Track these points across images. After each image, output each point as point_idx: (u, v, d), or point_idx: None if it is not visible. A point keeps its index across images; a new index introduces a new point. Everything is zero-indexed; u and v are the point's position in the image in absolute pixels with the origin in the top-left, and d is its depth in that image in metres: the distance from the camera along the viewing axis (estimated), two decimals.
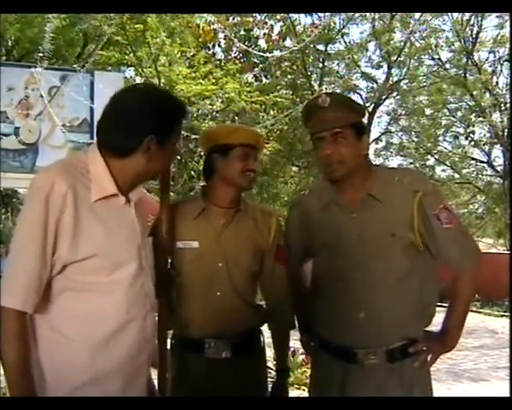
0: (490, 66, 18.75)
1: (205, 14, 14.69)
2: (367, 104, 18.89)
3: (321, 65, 19.53)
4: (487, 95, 18.39)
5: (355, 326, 2.28)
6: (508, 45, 16.77)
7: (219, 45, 19.04)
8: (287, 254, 2.58)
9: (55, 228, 1.71)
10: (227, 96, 14.82)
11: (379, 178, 2.34)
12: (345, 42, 19.77)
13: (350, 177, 2.30)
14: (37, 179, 1.77)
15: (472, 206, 21.27)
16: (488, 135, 19.22)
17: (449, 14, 17.42)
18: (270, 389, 2.62)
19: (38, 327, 1.78)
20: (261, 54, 15.14)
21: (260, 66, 16.76)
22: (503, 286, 9.26)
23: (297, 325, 2.67)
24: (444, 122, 20.58)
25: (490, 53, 18.66)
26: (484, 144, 19.68)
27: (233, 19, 17.57)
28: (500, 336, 8.56)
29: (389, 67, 19.54)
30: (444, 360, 2.28)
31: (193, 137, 14.19)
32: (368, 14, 17.73)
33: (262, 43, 19.02)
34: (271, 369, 2.69)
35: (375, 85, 20.28)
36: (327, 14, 13.72)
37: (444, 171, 21.29)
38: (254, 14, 17.75)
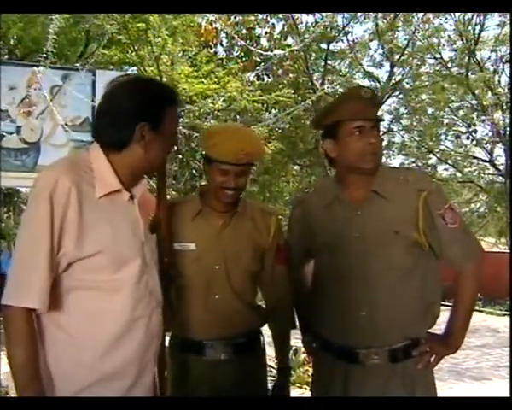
0: (492, 65, 18.72)
1: (207, 14, 14.67)
2: None
3: (323, 64, 19.50)
4: (489, 94, 18.36)
5: (357, 326, 2.27)
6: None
7: (221, 44, 19.04)
8: (287, 254, 2.56)
9: (60, 225, 1.71)
10: (229, 95, 14.80)
11: (382, 175, 2.34)
12: (347, 40, 19.76)
13: (374, 171, 2.31)
14: (40, 178, 1.77)
15: (474, 205, 21.25)
16: (490, 134, 19.20)
17: (451, 13, 17.40)
18: (271, 389, 2.61)
19: (45, 327, 1.78)
20: (263, 53, 15.10)
21: (262, 65, 16.72)
22: (504, 285, 9.26)
23: (298, 324, 2.66)
24: (446, 121, 20.54)
25: (492, 52, 18.64)
26: (486, 143, 19.65)
27: (235, 18, 17.55)
28: (502, 335, 8.56)
29: (391, 66, 19.51)
30: (446, 359, 2.27)
31: (194, 135, 14.19)
32: (371, 13, 17.71)
33: (264, 42, 19.03)
34: (273, 368, 2.68)
35: (377, 84, 20.26)
36: (329, 13, 13.70)
37: (446, 170, 21.28)
38: (256, 13, 17.73)
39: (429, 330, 2.35)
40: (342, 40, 19.72)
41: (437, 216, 2.26)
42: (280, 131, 18.28)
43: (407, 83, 20.25)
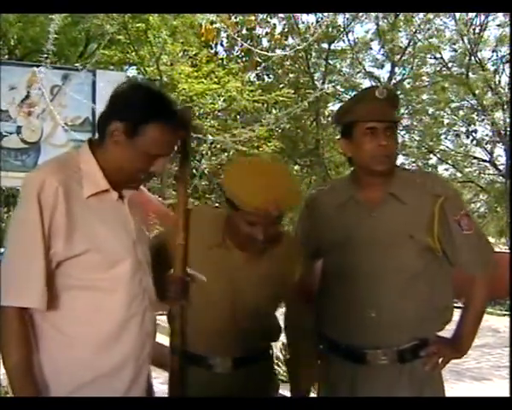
0: (492, 65, 18.74)
1: (207, 14, 14.68)
2: None
3: (324, 63, 19.51)
4: (489, 94, 18.37)
5: (365, 326, 2.24)
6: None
7: (221, 44, 19.05)
8: (311, 290, 2.38)
9: (49, 225, 1.72)
10: (229, 94, 14.81)
11: (399, 177, 2.30)
12: (348, 40, 19.78)
13: (387, 172, 2.27)
14: (28, 178, 1.79)
15: (474, 205, 21.26)
16: (490, 134, 19.22)
17: (452, 13, 17.41)
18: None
19: (39, 326, 1.78)
20: (264, 53, 15.11)
21: (263, 64, 16.74)
22: (504, 285, 9.24)
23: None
24: (446, 121, 20.57)
25: (493, 52, 18.66)
26: (486, 143, 19.67)
27: (235, 18, 17.56)
28: (502, 335, 8.55)
29: (392, 66, 19.54)
30: None
31: (195, 136, 14.18)
32: (372, 13, 17.72)
33: (264, 41, 19.05)
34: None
35: (378, 84, 20.26)
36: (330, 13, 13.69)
37: (446, 170, 21.31)
38: (257, 13, 17.74)
39: (438, 333, 2.32)
40: (343, 40, 19.76)
41: (453, 222, 2.22)
42: (280, 130, 18.28)
43: (408, 83, 20.27)
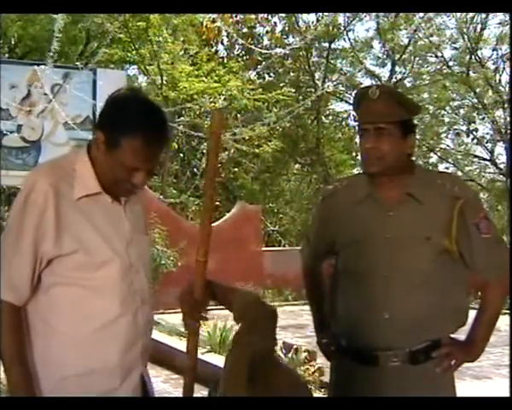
0: (493, 63, 18.72)
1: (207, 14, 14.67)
2: None
3: (325, 62, 19.50)
4: (490, 92, 18.35)
5: (378, 328, 2.22)
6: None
7: (222, 43, 19.04)
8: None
9: (38, 225, 1.79)
10: (229, 93, 14.81)
11: (419, 177, 2.27)
12: (349, 39, 19.76)
13: (389, 173, 2.23)
14: (25, 180, 1.88)
15: None
16: (491, 132, 19.20)
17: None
18: None
19: (31, 320, 1.85)
20: (264, 51, 15.11)
21: (263, 63, 16.74)
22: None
23: (313, 325, 2.58)
24: (447, 120, 20.55)
25: (493, 50, 18.64)
26: (487, 142, 19.65)
27: (236, 16, 17.56)
28: (503, 334, 8.52)
29: (393, 65, 19.52)
30: None
31: (195, 134, 14.19)
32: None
33: (265, 40, 19.03)
34: None
35: (379, 83, 20.25)
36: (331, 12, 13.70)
37: (446, 168, 21.25)
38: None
39: (451, 335, 2.30)
40: (344, 39, 19.73)
41: (471, 225, 2.20)
42: (281, 129, 18.28)
43: (408, 82, 20.26)
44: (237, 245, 13.55)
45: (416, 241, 2.21)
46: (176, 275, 9.32)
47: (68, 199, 1.83)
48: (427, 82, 19.90)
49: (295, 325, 9.87)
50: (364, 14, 18.11)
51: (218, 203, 18.00)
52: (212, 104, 14.66)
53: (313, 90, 17.97)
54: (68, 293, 1.83)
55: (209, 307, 1.98)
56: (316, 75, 19.72)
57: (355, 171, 18.21)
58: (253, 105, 15.76)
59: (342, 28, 19.02)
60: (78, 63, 12.04)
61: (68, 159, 1.94)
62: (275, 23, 18.71)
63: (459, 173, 20.42)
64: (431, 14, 16.97)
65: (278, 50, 16.76)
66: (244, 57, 18.41)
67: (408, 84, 20.12)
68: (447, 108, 19.92)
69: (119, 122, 1.81)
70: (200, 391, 2.00)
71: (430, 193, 2.23)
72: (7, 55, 14.77)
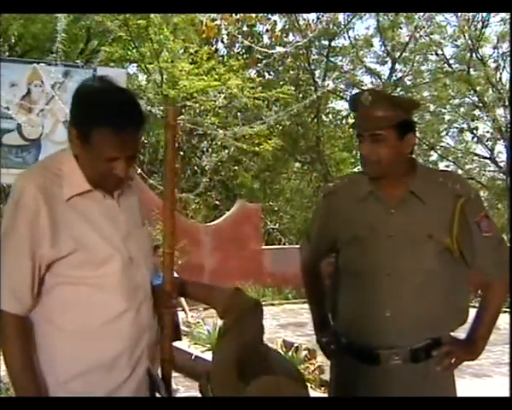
0: (494, 61, 18.70)
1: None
2: None
3: (325, 60, 19.49)
4: (490, 90, 18.34)
5: (380, 326, 2.22)
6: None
7: (222, 41, 19.02)
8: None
9: (33, 231, 1.75)
10: (230, 92, 14.78)
11: (421, 176, 2.27)
12: (349, 37, 19.75)
13: (390, 175, 2.24)
14: (13, 186, 1.82)
15: None
16: (491, 131, 19.18)
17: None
18: None
19: (34, 323, 1.82)
20: (264, 50, 15.08)
21: (263, 61, 16.73)
22: None
23: (313, 324, 2.59)
24: (447, 118, 20.53)
25: (494, 49, 18.62)
26: (487, 140, 19.64)
27: (236, 15, 17.53)
28: (503, 332, 8.53)
29: (393, 63, 19.50)
30: None
31: (195, 132, 14.18)
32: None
33: (265, 38, 19.02)
34: None
35: (379, 81, 20.24)
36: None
37: (447, 166, 21.24)
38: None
39: (451, 333, 2.31)
40: (344, 37, 19.72)
41: (472, 224, 2.21)
42: (281, 128, 18.27)
43: (409, 80, 20.24)
44: (237, 243, 13.56)
45: (418, 239, 2.21)
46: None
47: (59, 200, 1.79)
48: (427, 80, 19.88)
49: (295, 324, 9.88)
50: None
51: (217, 202, 18.02)
52: (212, 102, 14.66)
53: (313, 88, 17.96)
54: (71, 292, 1.80)
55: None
56: (316, 73, 19.71)
57: (355, 169, 18.22)
58: (253, 103, 15.73)
59: (342, 26, 19.01)
60: (78, 61, 12.02)
61: (54, 159, 1.91)
62: (275, 21, 18.70)
63: (459, 171, 20.43)
64: (432, 12, 16.97)
65: (278, 49, 16.76)
66: (244, 55, 18.38)
67: (408, 83, 20.11)
68: (447, 106, 19.91)
69: (86, 116, 1.77)
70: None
71: (432, 191, 2.23)
72: (7, 54, 14.76)
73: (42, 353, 1.80)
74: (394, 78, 19.63)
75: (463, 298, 2.31)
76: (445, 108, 20.14)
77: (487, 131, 19.63)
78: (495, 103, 18.19)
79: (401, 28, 18.87)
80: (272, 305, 12.42)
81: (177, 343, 7.18)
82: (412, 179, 2.26)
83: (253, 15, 17.99)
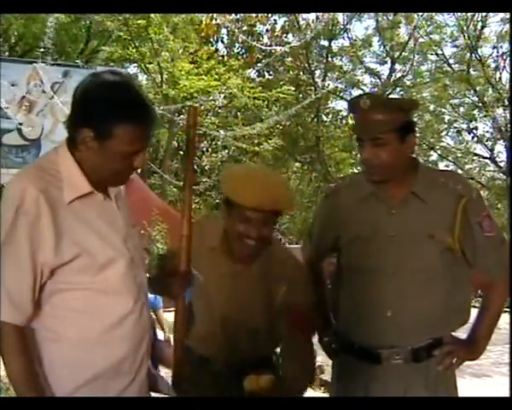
0: (494, 61, 18.72)
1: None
2: None
3: (324, 61, 19.50)
4: (490, 90, 18.35)
5: (380, 326, 2.22)
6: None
7: (222, 41, 19.04)
8: (305, 320, 2.26)
9: (33, 237, 1.67)
10: (229, 91, 14.80)
11: (422, 176, 2.25)
12: (348, 38, 19.76)
13: (391, 177, 2.22)
14: (9, 189, 1.73)
15: None
16: (491, 130, 19.21)
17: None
18: None
19: (35, 333, 1.76)
20: (264, 47, 15.08)
21: (263, 61, 16.74)
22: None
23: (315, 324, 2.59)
24: (447, 118, 20.55)
25: (493, 48, 18.63)
26: (487, 140, 19.65)
27: (235, 14, 17.54)
28: (503, 332, 8.53)
29: (393, 63, 19.52)
30: None
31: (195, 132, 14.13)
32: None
33: (265, 38, 19.02)
34: None
35: (378, 81, 20.26)
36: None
37: (447, 166, 21.26)
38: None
39: (453, 333, 2.30)
40: (343, 37, 19.74)
41: (475, 224, 2.19)
42: (281, 127, 18.28)
43: (408, 80, 20.25)
44: None
45: (420, 239, 2.20)
46: None
47: (60, 204, 1.71)
48: (427, 80, 19.88)
49: None
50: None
51: (218, 201, 18.01)
52: (212, 102, 14.67)
53: (313, 88, 17.97)
54: (73, 298, 1.74)
55: None
56: (316, 73, 19.73)
57: (355, 169, 18.23)
58: (253, 103, 15.75)
59: (341, 26, 19.02)
60: (78, 61, 12.03)
61: (49, 160, 1.79)
62: (275, 21, 18.72)
63: (459, 171, 20.46)
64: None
65: (278, 48, 16.76)
66: (244, 55, 18.40)
67: (408, 82, 20.12)
68: (447, 106, 19.92)
69: (107, 112, 1.70)
70: None
71: (434, 192, 2.22)
72: (7, 54, 14.77)
73: (43, 366, 1.75)
74: (394, 78, 19.64)
75: (465, 298, 2.30)
76: (445, 108, 20.15)
77: (487, 131, 19.67)
78: (495, 103, 18.21)
79: (400, 28, 18.88)
80: None
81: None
82: (414, 180, 2.24)
83: (253, 15, 18.01)
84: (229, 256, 2.21)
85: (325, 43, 19.25)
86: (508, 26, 17.00)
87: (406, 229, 2.21)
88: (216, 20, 16.33)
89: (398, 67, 19.82)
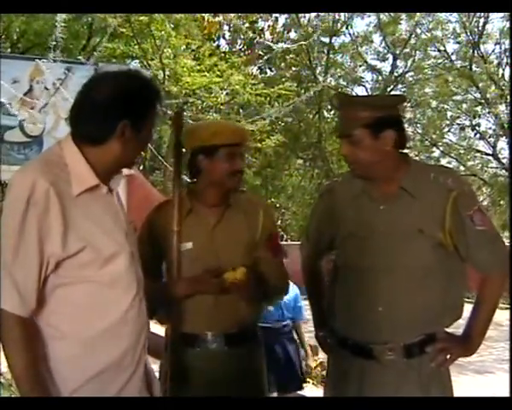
0: (496, 58, 18.69)
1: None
2: None
3: (326, 57, 19.48)
4: (493, 87, 18.33)
5: (372, 321, 2.23)
6: None
7: (224, 38, 19.02)
8: (279, 246, 2.64)
9: (43, 228, 1.69)
10: (232, 88, 14.78)
11: (413, 171, 2.26)
12: (350, 34, 19.74)
13: (375, 173, 2.24)
14: (16, 181, 1.74)
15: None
16: (494, 127, 19.18)
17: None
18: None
19: (37, 326, 1.76)
20: (266, 43, 15.08)
21: (265, 58, 16.72)
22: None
23: (312, 319, 2.62)
24: (449, 114, 20.54)
25: (496, 45, 18.60)
26: (489, 137, 19.63)
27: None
28: (505, 328, 8.55)
29: (394, 59, 19.50)
30: None
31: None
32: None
33: (267, 35, 19.00)
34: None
35: (380, 77, 20.23)
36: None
37: (449, 163, 21.25)
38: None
39: (447, 330, 2.31)
40: (344, 34, 19.72)
41: (465, 217, 2.19)
42: (282, 124, 18.27)
43: (410, 76, 20.23)
44: None
45: (409, 235, 2.21)
46: None
47: (68, 197, 1.73)
48: (429, 76, 19.86)
49: None
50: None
51: None
52: (215, 99, 14.65)
53: (314, 84, 17.95)
54: (74, 292, 1.75)
55: None
56: (317, 70, 19.71)
57: None
58: (255, 100, 15.73)
59: (343, 23, 19.00)
60: (80, 57, 12.03)
61: (55, 153, 1.82)
62: (276, 18, 18.70)
63: (461, 168, 20.45)
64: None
65: (280, 45, 16.75)
66: (246, 52, 18.38)
67: (410, 79, 20.10)
68: (450, 102, 19.91)
69: (143, 103, 1.84)
70: None
71: (423, 186, 2.23)
72: (9, 50, 14.77)
73: (47, 364, 1.75)
74: (396, 74, 19.61)
75: (458, 293, 2.31)
76: (448, 105, 20.14)
77: (489, 128, 19.65)
78: (497, 100, 18.18)
79: (401, 24, 18.86)
80: None
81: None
82: (404, 176, 2.25)
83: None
84: (206, 209, 2.47)
85: (326, 39, 19.23)
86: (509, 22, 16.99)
87: (395, 224, 2.23)
88: (218, 16, 16.28)
89: (399, 63, 19.80)
